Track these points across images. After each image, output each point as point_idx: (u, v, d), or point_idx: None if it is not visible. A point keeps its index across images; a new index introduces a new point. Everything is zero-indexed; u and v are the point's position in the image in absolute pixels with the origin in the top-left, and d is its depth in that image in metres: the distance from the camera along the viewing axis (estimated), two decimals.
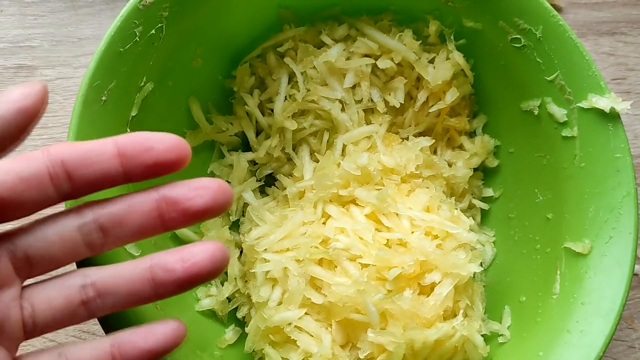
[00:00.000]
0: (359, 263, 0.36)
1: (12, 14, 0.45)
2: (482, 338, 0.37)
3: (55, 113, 0.44)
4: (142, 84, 0.35)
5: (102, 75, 0.32)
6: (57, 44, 0.45)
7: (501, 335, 0.39)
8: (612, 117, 0.37)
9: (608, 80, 0.50)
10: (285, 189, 0.41)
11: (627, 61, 0.51)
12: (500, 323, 0.39)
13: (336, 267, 0.36)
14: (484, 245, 0.42)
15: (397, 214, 0.38)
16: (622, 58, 0.51)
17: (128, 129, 0.34)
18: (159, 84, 0.36)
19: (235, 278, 0.39)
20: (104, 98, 0.32)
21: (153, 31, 0.34)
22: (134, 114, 0.34)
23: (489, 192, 0.44)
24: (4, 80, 0.44)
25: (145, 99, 0.35)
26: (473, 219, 0.42)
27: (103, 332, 0.39)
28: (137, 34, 0.33)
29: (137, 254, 0.33)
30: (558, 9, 0.52)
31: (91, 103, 0.31)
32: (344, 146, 0.41)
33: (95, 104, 0.32)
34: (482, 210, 0.44)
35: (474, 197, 0.44)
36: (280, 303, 0.36)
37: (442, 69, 0.41)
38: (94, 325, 0.41)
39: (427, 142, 0.41)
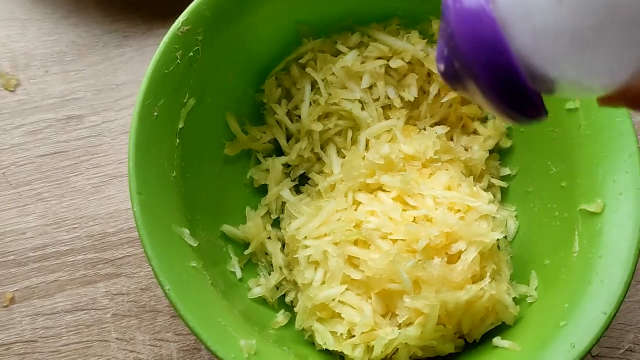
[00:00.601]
0: (390, 239, 0.40)
1: (56, 73, 0.50)
2: (512, 299, 0.40)
3: (106, 152, 0.49)
4: (186, 100, 0.40)
5: (152, 94, 0.37)
6: (99, 92, 0.50)
7: (529, 296, 0.42)
8: None
9: None
10: (318, 185, 0.45)
11: None
12: (528, 286, 0.42)
13: (370, 245, 0.40)
14: (507, 220, 0.46)
15: (421, 194, 0.42)
16: None
17: (177, 139, 0.39)
18: (199, 99, 0.41)
19: (281, 267, 0.43)
20: (155, 113, 0.37)
21: (191, 53, 0.39)
22: (180, 126, 0.39)
23: (506, 171, 0.47)
24: (58, 130, 0.49)
25: (189, 113, 0.40)
26: (494, 196, 0.46)
27: (174, 338, 0.44)
28: (178, 57, 0.38)
29: (194, 245, 0.38)
30: None
31: (145, 118, 0.37)
32: (367, 141, 0.45)
33: (149, 119, 0.37)
34: (501, 188, 0.47)
35: (492, 177, 0.47)
36: (323, 282, 0.40)
37: None
38: (166, 333, 0.45)
39: (442, 129, 0.45)
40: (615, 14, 0.20)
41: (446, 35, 0.22)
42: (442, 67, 0.24)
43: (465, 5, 0.21)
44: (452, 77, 0.24)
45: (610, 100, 0.24)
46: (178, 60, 0.39)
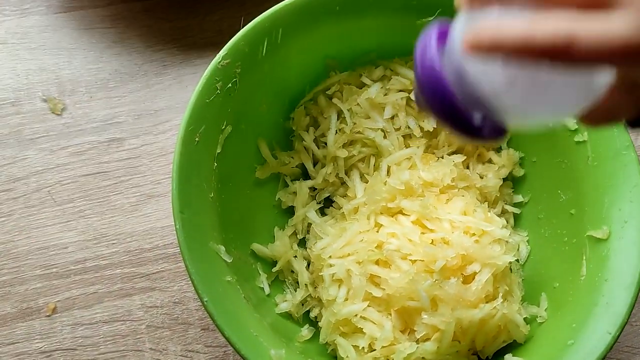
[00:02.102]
0: (410, 260, 0.43)
1: (100, 98, 0.54)
2: (523, 319, 0.43)
3: (144, 174, 0.52)
4: (224, 127, 0.43)
5: (195, 121, 0.41)
6: (139, 117, 0.54)
7: (540, 316, 0.44)
8: None
9: None
10: (342, 207, 0.48)
11: None
12: (538, 307, 0.45)
13: (391, 265, 0.43)
14: (519, 245, 0.48)
15: (438, 218, 0.45)
16: None
17: (215, 163, 0.42)
18: (235, 127, 0.44)
19: (306, 284, 0.46)
20: (197, 139, 0.41)
21: (230, 84, 0.43)
22: (218, 151, 0.43)
23: (518, 198, 0.50)
24: (100, 152, 0.53)
25: (226, 139, 0.44)
26: (507, 222, 0.49)
27: (204, 350, 0.47)
28: (218, 88, 0.42)
29: (229, 261, 0.41)
30: None
31: (188, 143, 0.40)
32: (388, 167, 0.48)
33: (191, 144, 0.40)
34: (514, 214, 0.50)
35: (506, 204, 0.50)
36: (346, 299, 0.43)
37: None
38: (196, 344, 0.48)
39: (459, 158, 0.48)
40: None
41: (416, 81, 0.30)
42: (415, 99, 0.33)
43: (425, 63, 0.29)
44: (421, 107, 0.33)
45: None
46: (218, 91, 0.42)
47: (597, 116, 0.28)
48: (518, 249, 0.48)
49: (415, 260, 0.42)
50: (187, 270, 0.38)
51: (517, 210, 0.50)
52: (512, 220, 0.50)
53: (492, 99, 0.27)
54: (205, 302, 0.37)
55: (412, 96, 0.49)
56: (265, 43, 0.44)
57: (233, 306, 0.39)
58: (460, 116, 0.29)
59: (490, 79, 0.26)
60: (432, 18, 0.46)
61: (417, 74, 0.29)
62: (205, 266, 0.39)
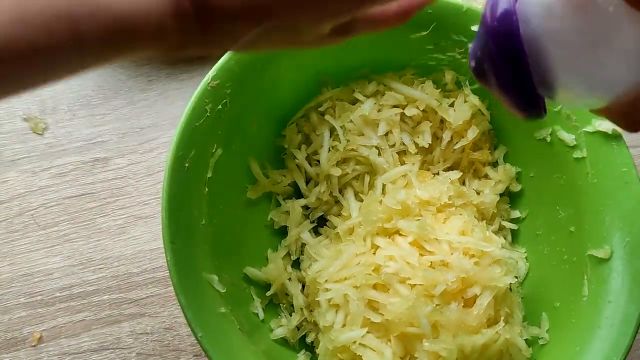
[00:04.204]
0: (409, 284, 0.42)
1: (83, 116, 0.52)
2: (524, 341, 0.42)
3: (131, 194, 0.51)
4: (214, 150, 0.42)
5: (184, 146, 0.39)
6: (124, 136, 0.52)
7: (541, 338, 0.43)
8: (615, 136, 0.42)
9: None
10: (336, 227, 0.47)
11: None
12: (540, 328, 0.44)
13: (389, 289, 0.42)
14: (517, 262, 0.48)
15: (437, 239, 0.44)
16: None
17: (206, 188, 0.41)
18: (226, 148, 0.43)
19: (301, 308, 0.45)
20: (186, 165, 0.39)
21: (220, 106, 0.41)
22: (209, 175, 0.41)
23: (516, 213, 0.49)
24: (84, 173, 0.51)
25: (217, 162, 0.42)
26: (504, 238, 0.48)
27: None
28: (208, 110, 0.40)
29: (223, 291, 0.40)
30: None
31: (178, 170, 0.39)
32: (384, 185, 0.47)
33: (181, 171, 0.39)
34: (511, 230, 0.49)
35: (503, 220, 0.49)
36: (344, 325, 0.42)
37: (461, 111, 0.47)
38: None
39: (455, 174, 0.47)
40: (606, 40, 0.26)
41: (481, 40, 0.28)
42: (472, 64, 0.30)
43: (498, 16, 0.26)
44: (480, 73, 0.30)
45: (600, 112, 0.30)
46: (208, 113, 0.41)
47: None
48: (517, 265, 0.47)
49: (415, 285, 0.41)
50: (179, 304, 0.36)
51: (514, 226, 0.49)
52: (509, 237, 0.49)
53: (555, 51, 0.26)
54: (199, 338, 0.36)
55: (407, 112, 0.47)
56: (256, 61, 0.42)
57: (228, 340, 0.38)
58: (527, 80, 0.27)
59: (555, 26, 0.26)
60: (426, 32, 0.45)
61: (487, 25, 0.27)
62: (198, 299, 0.37)
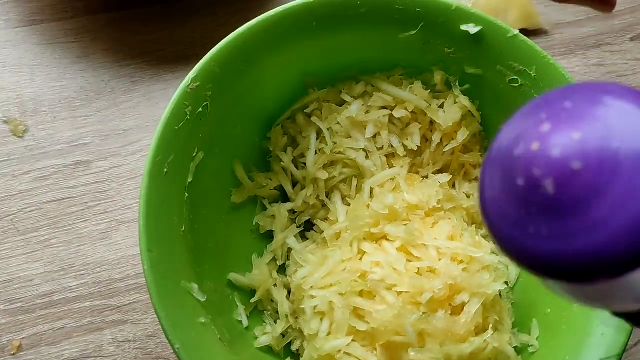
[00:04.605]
0: (395, 291, 0.40)
1: (64, 118, 0.51)
2: (514, 349, 0.41)
3: (113, 198, 0.49)
4: (195, 154, 0.40)
5: (163, 151, 0.38)
6: (106, 138, 0.51)
7: (531, 345, 0.42)
8: None
9: None
10: (323, 232, 0.46)
11: (617, 68, 0.56)
12: (530, 335, 0.43)
13: (375, 296, 0.41)
14: (507, 267, 0.46)
15: (424, 245, 0.42)
16: (611, 67, 0.56)
17: (186, 194, 0.40)
18: (208, 152, 0.42)
19: (287, 315, 0.44)
20: (165, 170, 0.38)
21: (200, 109, 0.40)
22: (190, 180, 0.40)
23: None
24: (65, 176, 0.49)
25: (198, 166, 0.41)
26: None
27: None
28: (188, 113, 0.39)
29: (203, 300, 0.39)
30: (544, 32, 0.58)
31: (156, 176, 0.37)
32: (371, 189, 0.46)
33: (159, 176, 0.38)
34: None
35: None
36: (329, 333, 0.41)
37: (451, 112, 0.46)
38: None
39: (445, 178, 0.46)
40: None
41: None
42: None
43: None
44: None
45: None
46: (188, 117, 0.39)
47: None
48: (508, 270, 0.46)
49: (401, 292, 0.40)
50: (157, 315, 0.35)
51: None
52: None
53: None
54: (177, 350, 0.34)
55: (396, 114, 0.46)
56: (239, 62, 0.41)
57: (207, 351, 0.36)
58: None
59: None
60: (414, 32, 0.44)
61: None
62: (176, 309, 0.36)
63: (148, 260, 0.36)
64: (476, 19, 0.43)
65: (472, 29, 0.43)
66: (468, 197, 0.47)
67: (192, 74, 0.39)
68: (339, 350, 0.40)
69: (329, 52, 0.45)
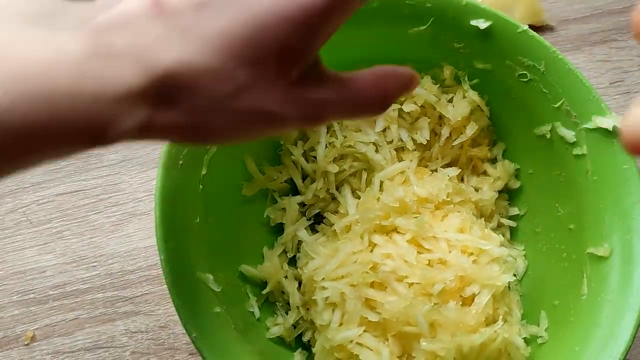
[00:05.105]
0: (406, 282, 0.41)
1: None
2: (523, 340, 0.42)
3: (125, 191, 0.50)
4: (208, 146, 0.41)
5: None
6: None
7: (540, 337, 0.43)
8: (616, 133, 0.42)
9: (607, 84, 0.55)
10: (333, 224, 0.46)
11: (622, 64, 0.56)
12: (538, 326, 0.43)
13: (386, 287, 0.41)
14: (515, 259, 0.47)
15: (434, 237, 0.43)
16: (617, 62, 0.56)
17: (201, 185, 0.40)
18: (220, 145, 0.42)
19: (298, 307, 0.45)
20: (180, 162, 0.39)
21: None
22: (204, 172, 0.41)
23: (514, 210, 0.49)
24: (77, 169, 0.50)
25: (211, 158, 0.41)
26: (503, 236, 0.47)
27: None
28: None
29: (218, 290, 0.39)
30: (550, 28, 0.58)
31: (171, 167, 0.38)
32: (381, 182, 0.46)
33: (174, 168, 0.38)
34: (510, 227, 0.48)
35: (501, 217, 0.48)
36: (341, 324, 0.42)
37: (460, 106, 0.47)
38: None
39: (454, 171, 0.47)
40: None
41: None
42: None
43: None
44: None
45: None
46: None
47: None
48: (516, 262, 0.47)
49: (412, 283, 0.41)
50: (173, 304, 0.35)
51: (513, 224, 0.48)
52: (508, 234, 0.48)
53: None
54: (193, 338, 0.35)
55: (405, 108, 0.47)
56: None
57: (223, 340, 0.37)
58: None
59: None
60: (424, 27, 0.44)
61: None
62: (193, 299, 0.37)
63: (164, 251, 0.36)
64: (486, 14, 0.43)
65: (482, 24, 0.43)
66: (476, 190, 0.48)
67: None
68: (351, 341, 0.41)
69: (338, 47, 0.45)
